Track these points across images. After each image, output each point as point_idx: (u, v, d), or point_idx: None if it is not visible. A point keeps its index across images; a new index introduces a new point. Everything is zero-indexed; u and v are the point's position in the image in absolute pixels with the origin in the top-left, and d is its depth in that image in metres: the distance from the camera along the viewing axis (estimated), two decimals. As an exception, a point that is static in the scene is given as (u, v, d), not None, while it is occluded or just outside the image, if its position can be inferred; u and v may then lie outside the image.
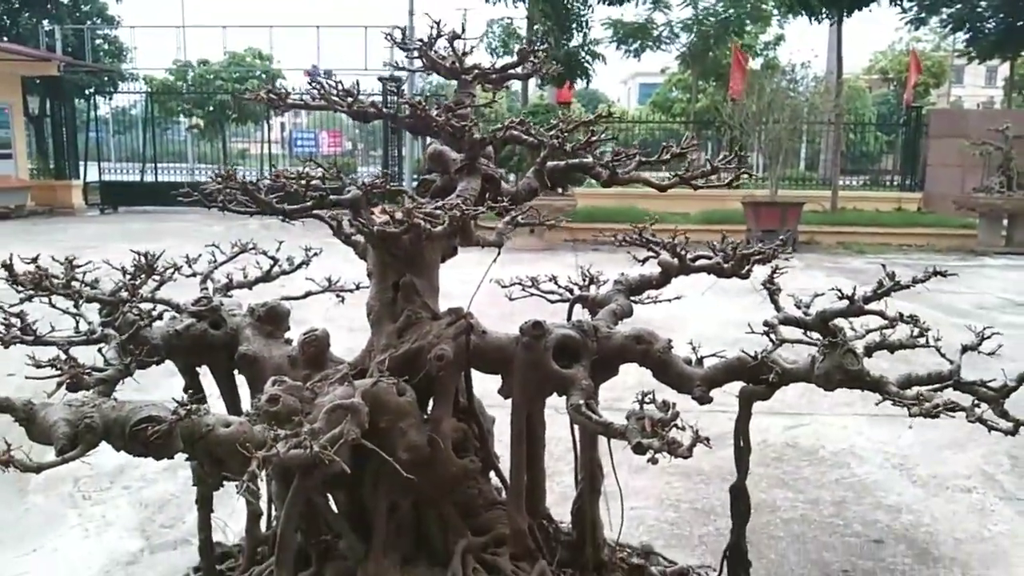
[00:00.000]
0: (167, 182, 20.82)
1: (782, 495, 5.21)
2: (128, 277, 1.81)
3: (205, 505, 2.10)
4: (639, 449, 1.45)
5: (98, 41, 24.14)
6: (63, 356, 1.41)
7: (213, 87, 23.51)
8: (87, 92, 21.36)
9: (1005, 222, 13.89)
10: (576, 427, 2.03)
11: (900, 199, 17.88)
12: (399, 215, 1.50)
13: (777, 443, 5.68)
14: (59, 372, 1.38)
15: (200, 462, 1.56)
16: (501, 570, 1.81)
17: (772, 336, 1.70)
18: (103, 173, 20.97)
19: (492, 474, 2.06)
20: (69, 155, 19.81)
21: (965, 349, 1.66)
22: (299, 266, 2.41)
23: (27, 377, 1.39)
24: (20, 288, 1.71)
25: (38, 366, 1.39)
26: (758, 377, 1.81)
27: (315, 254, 2.46)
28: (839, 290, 1.70)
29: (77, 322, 1.64)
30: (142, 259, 1.84)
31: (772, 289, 1.82)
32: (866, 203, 17.24)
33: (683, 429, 1.43)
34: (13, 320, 1.53)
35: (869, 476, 5.61)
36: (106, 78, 22.16)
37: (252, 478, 1.24)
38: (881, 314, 1.67)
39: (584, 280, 2.28)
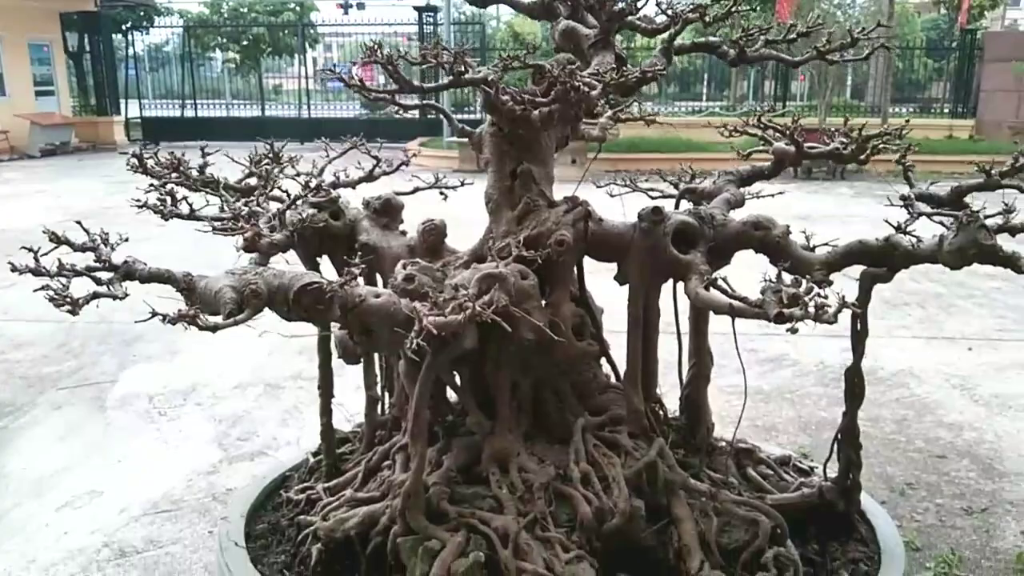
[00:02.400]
0: (206, 117, 20.93)
1: (843, 414, 5.19)
2: (256, 166, 1.86)
3: (327, 392, 2.19)
4: (780, 319, 1.48)
5: (132, -26, 24.00)
6: (240, 219, 1.47)
7: (248, 20, 23.38)
8: (124, 27, 21.34)
9: (1063, 148, 13.43)
10: (689, 314, 2.07)
11: (951, 126, 17.36)
12: (554, 77, 1.51)
13: (835, 364, 5.68)
14: (234, 231, 1.43)
15: (351, 332, 1.62)
16: (621, 446, 1.88)
17: (910, 210, 1.70)
18: (142, 110, 21.12)
19: (604, 361, 2.11)
20: (109, 91, 19.93)
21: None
22: (399, 167, 2.44)
23: (216, 231, 1.45)
24: (155, 175, 1.77)
25: (214, 230, 1.45)
26: (878, 260, 1.82)
27: (414, 155, 2.49)
28: (978, 165, 1.69)
29: (223, 204, 1.70)
30: (268, 148, 1.88)
31: (906, 165, 1.81)
32: (916, 131, 16.69)
33: (825, 297, 1.45)
34: (167, 198, 1.59)
35: (929, 396, 5.60)
36: (142, 12, 22.08)
37: (421, 335, 1.29)
38: (1019, 188, 1.66)
39: (687, 176, 2.29)
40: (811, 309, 1.42)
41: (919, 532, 3.89)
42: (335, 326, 1.83)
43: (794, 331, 1.49)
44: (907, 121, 1.85)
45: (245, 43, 23.33)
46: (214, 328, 1.31)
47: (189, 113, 21.17)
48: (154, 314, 1.23)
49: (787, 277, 1.58)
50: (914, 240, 1.68)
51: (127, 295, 1.39)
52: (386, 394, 2.25)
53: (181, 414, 5.30)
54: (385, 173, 2.46)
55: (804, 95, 23.01)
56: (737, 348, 1.82)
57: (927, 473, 4.52)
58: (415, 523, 1.77)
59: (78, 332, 6.95)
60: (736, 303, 1.62)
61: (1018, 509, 4.12)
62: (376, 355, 2.22)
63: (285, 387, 5.62)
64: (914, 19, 27.19)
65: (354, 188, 2.42)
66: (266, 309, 1.47)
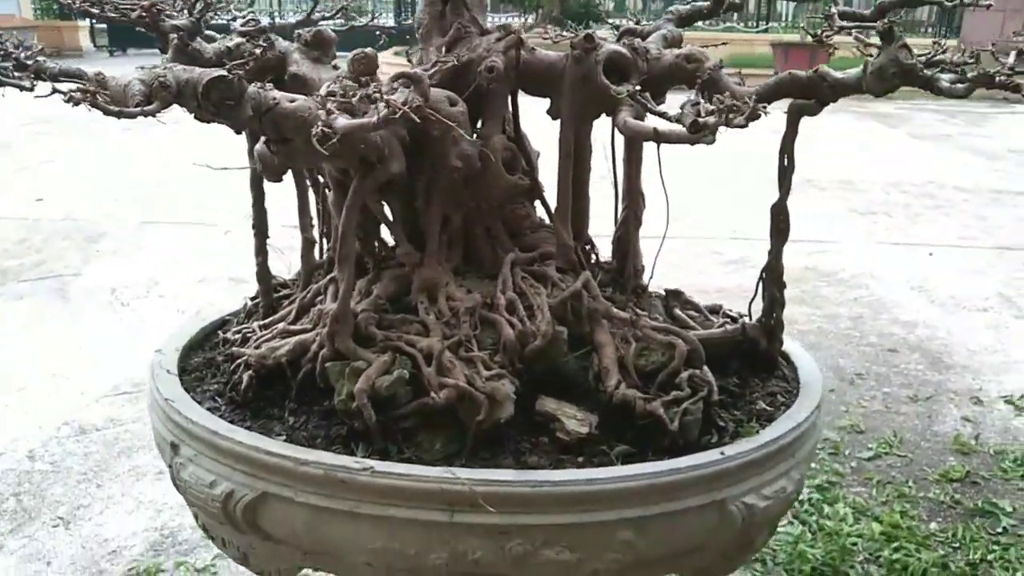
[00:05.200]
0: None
1: (800, 311, 5.36)
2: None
3: (261, 231, 2.20)
4: (695, 127, 1.49)
5: None
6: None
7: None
8: (86, -74, 20.43)
9: (1043, 67, 13.38)
10: (621, 154, 2.07)
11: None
12: None
13: (797, 267, 5.77)
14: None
15: (267, 140, 1.61)
16: (548, 278, 1.90)
17: (829, 22, 1.70)
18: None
19: (538, 203, 2.12)
20: (73, -7, 19.19)
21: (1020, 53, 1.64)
22: (340, 10, 2.39)
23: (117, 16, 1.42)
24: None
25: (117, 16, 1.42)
26: (807, 92, 1.82)
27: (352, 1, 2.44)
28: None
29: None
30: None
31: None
32: (899, 50, 16.62)
33: (743, 105, 1.46)
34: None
35: (887, 296, 5.74)
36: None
37: (332, 139, 1.28)
38: (941, 4, 1.65)
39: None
40: (723, 116, 1.43)
41: (864, 417, 4.04)
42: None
43: (711, 142, 1.51)
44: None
45: (215, -54, 22.46)
46: (118, 114, 1.30)
47: (157, 19, 20.46)
48: (54, 91, 1.22)
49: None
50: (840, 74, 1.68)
51: (34, 87, 1.38)
52: (323, 239, 2.25)
53: (144, 305, 5.32)
54: (324, 18, 2.41)
55: (789, 15, 22.72)
56: (661, 175, 1.83)
57: (877, 365, 4.67)
58: (343, 346, 1.80)
59: (41, 228, 6.89)
60: (661, 127, 1.63)
61: (961, 398, 4.28)
62: (312, 197, 2.22)
63: (249, 282, 5.62)
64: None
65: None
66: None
